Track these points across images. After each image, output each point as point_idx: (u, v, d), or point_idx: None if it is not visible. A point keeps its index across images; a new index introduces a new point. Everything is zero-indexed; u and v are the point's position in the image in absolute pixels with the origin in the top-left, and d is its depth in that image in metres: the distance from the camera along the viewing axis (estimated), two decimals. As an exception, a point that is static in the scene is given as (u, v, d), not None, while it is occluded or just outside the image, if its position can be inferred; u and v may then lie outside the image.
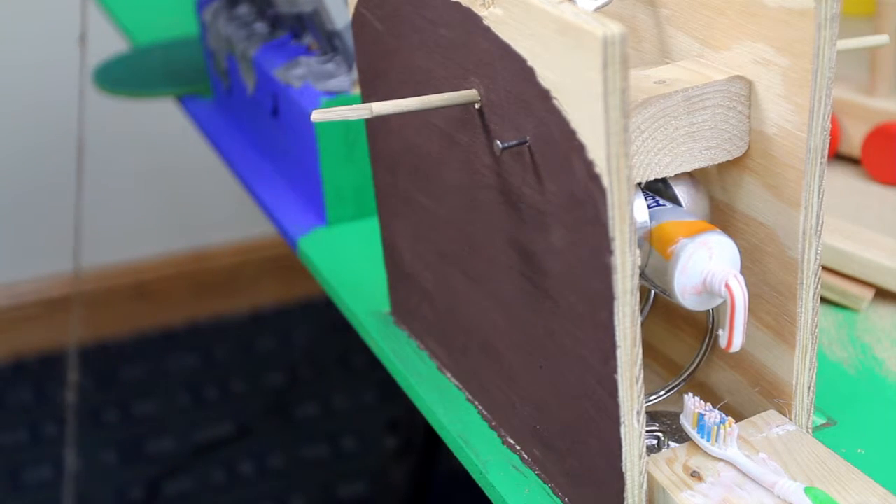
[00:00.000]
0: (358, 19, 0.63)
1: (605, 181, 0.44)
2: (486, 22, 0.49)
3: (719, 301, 0.49)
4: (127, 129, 1.89)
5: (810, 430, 0.55)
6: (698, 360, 0.57)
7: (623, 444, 0.48)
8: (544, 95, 0.46)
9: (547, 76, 0.46)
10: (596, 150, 0.44)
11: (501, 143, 0.49)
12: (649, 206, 0.51)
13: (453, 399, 0.63)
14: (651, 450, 0.54)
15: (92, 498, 1.63)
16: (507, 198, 0.52)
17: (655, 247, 0.50)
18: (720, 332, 0.49)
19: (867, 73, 0.79)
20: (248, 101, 0.94)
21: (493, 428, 0.60)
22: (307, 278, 0.99)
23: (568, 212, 0.47)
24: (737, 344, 0.48)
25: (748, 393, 0.56)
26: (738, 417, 0.54)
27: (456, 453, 0.60)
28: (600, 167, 0.44)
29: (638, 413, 0.48)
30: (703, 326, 0.57)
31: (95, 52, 1.32)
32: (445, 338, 0.64)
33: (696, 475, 0.50)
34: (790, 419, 0.54)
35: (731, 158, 0.52)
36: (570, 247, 0.48)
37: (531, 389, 0.55)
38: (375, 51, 0.62)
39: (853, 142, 0.79)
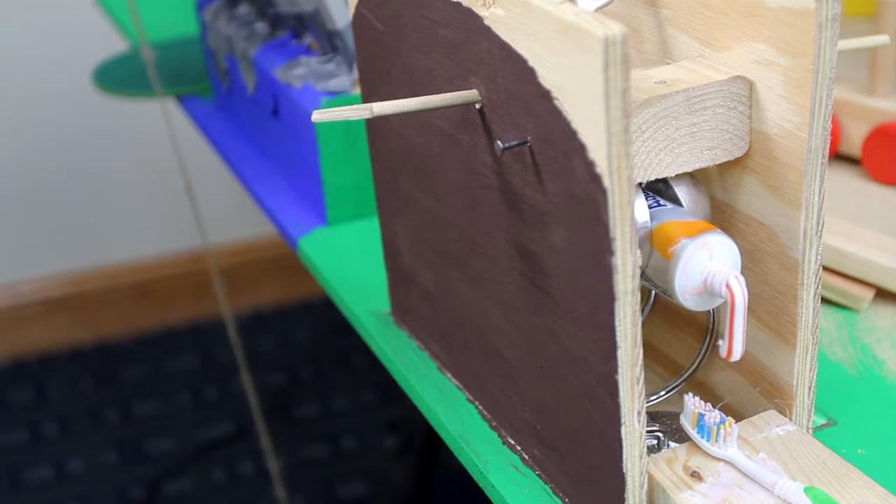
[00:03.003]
0: (358, 19, 0.63)
1: (606, 181, 0.44)
2: (486, 22, 0.49)
3: (720, 301, 0.49)
4: (127, 129, 1.89)
5: (810, 431, 0.55)
6: (698, 360, 0.57)
7: (623, 444, 0.48)
8: (545, 96, 0.46)
9: (548, 76, 0.46)
10: (597, 151, 0.44)
11: (502, 143, 0.49)
12: (650, 207, 0.51)
13: (453, 399, 0.63)
14: (651, 450, 0.54)
15: (92, 498, 1.63)
16: (508, 198, 0.52)
17: (656, 247, 0.50)
18: (720, 342, 0.49)
19: (867, 73, 0.79)
20: (248, 101, 0.94)
21: (493, 428, 0.60)
22: (307, 278, 0.99)
23: (569, 212, 0.47)
24: (737, 352, 0.48)
25: (748, 393, 0.56)
26: (738, 417, 0.54)
27: (456, 453, 0.60)
28: (601, 167, 0.44)
29: (638, 413, 0.48)
30: (704, 327, 0.57)
31: (95, 52, 1.32)
32: (445, 338, 0.64)
33: (696, 475, 0.50)
34: (790, 419, 0.54)
35: (731, 159, 0.52)
36: (570, 247, 0.48)
37: (531, 390, 0.55)
38: (376, 51, 0.62)
39: (853, 142, 0.79)
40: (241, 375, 1.15)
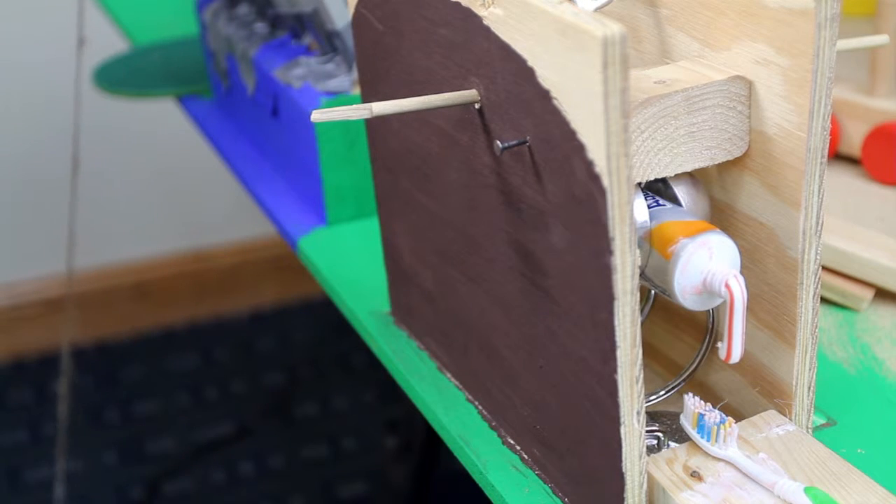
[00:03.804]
0: (358, 19, 0.63)
1: (605, 181, 0.44)
2: (486, 22, 0.49)
3: (719, 301, 0.49)
4: (127, 129, 1.89)
5: (810, 430, 0.55)
6: (698, 360, 0.57)
7: (623, 444, 0.48)
8: (544, 95, 0.46)
9: (547, 76, 0.46)
10: (596, 151, 0.44)
11: (501, 143, 0.49)
12: (649, 206, 0.51)
13: (453, 399, 0.63)
14: (651, 450, 0.54)
15: (92, 498, 1.63)
16: (507, 198, 0.52)
17: (655, 247, 0.50)
18: (719, 344, 0.49)
19: (867, 73, 0.79)
20: (248, 101, 0.94)
21: (493, 428, 0.60)
22: (307, 278, 0.99)
23: (568, 212, 0.47)
24: (736, 354, 0.48)
25: (748, 393, 0.56)
26: (738, 417, 0.54)
27: (456, 453, 0.60)
28: (600, 167, 0.44)
29: (638, 413, 0.48)
30: (703, 326, 0.57)
31: (95, 52, 1.32)
32: (445, 338, 0.64)
33: (696, 475, 0.50)
34: (790, 419, 0.54)
35: (731, 158, 0.52)
36: (570, 247, 0.48)
37: (531, 389, 0.55)
38: (375, 51, 0.62)
39: (853, 142, 0.79)
40: (59, 408, 1.15)
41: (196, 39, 1.15)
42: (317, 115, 0.49)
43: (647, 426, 0.54)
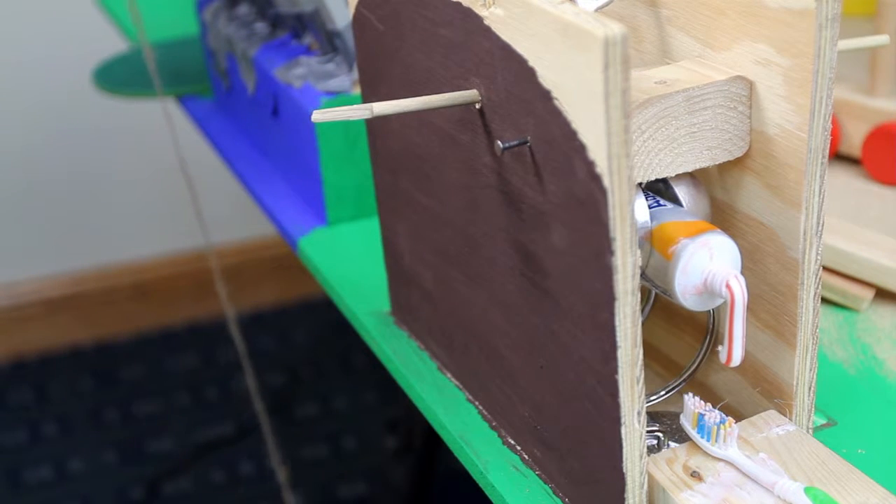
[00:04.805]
0: (358, 19, 0.63)
1: (606, 182, 0.44)
2: (486, 22, 0.49)
3: (720, 301, 0.49)
4: (127, 129, 1.89)
5: (811, 431, 0.55)
6: (698, 360, 0.57)
7: (623, 444, 0.48)
8: (545, 96, 0.46)
9: (548, 76, 0.46)
10: (597, 151, 0.44)
11: (502, 143, 0.49)
12: (650, 207, 0.51)
13: (453, 399, 0.63)
14: (651, 450, 0.54)
15: (92, 498, 1.63)
16: (508, 198, 0.52)
17: (656, 247, 0.50)
18: (720, 347, 0.49)
19: (867, 73, 0.79)
20: (248, 101, 0.94)
21: (493, 428, 0.60)
22: (307, 278, 0.99)
23: (569, 212, 0.47)
24: (736, 356, 0.48)
25: (748, 393, 0.56)
26: (738, 417, 0.54)
27: (456, 453, 0.60)
28: (601, 167, 0.44)
29: (638, 413, 0.48)
30: (704, 327, 0.57)
31: (95, 52, 1.32)
32: (445, 338, 0.64)
33: (696, 475, 0.50)
34: (790, 419, 0.54)
35: (731, 158, 0.52)
36: (570, 247, 0.48)
37: (531, 389, 0.55)
38: (376, 51, 0.62)
39: (853, 142, 0.79)
40: (246, 376, 1.15)
41: (196, 39, 1.15)
42: (317, 115, 0.49)
43: (647, 426, 0.54)
